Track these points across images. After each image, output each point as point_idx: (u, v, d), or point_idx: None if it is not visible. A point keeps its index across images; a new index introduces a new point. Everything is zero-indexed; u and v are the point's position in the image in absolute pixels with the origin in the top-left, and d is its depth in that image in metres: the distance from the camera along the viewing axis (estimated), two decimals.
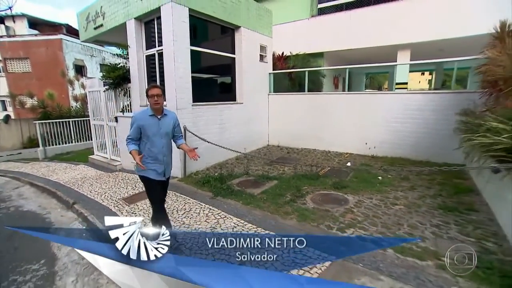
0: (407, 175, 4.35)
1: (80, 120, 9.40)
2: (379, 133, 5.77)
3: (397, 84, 9.36)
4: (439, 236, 2.45)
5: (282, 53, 8.86)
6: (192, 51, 4.98)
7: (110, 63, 6.45)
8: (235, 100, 6.20)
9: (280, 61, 8.66)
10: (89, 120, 7.49)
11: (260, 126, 7.00)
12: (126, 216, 3.26)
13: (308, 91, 7.23)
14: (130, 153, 2.31)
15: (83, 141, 9.43)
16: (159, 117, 2.38)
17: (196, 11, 4.92)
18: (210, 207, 3.35)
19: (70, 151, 8.86)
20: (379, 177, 4.23)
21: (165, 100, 2.24)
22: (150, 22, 5.17)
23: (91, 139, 7.50)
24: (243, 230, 2.67)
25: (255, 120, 6.68)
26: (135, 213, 3.32)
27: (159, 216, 2.49)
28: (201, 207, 3.36)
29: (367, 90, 16.77)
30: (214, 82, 6.16)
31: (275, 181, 4.19)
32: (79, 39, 7.31)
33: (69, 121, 9.09)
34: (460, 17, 7.14)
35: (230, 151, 4.89)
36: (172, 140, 2.58)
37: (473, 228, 2.57)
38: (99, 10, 6.00)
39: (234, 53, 6.11)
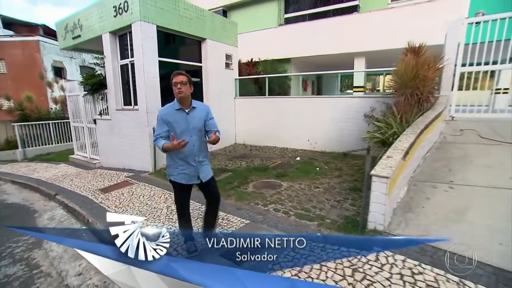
0: (341, 166, 5.29)
1: (60, 122, 9.82)
2: (327, 132, 6.70)
3: (354, 87, 10.51)
4: (335, 207, 3.35)
5: (251, 59, 9.71)
6: (161, 61, 5.72)
7: (92, 64, 7.00)
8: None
9: (249, 66, 9.52)
10: (69, 122, 8.02)
11: (227, 126, 7.80)
12: (100, 201, 3.98)
13: (277, 95, 8.15)
14: (163, 150, 2.06)
15: (64, 142, 9.86)
16: (187, 110, 2.13)
17: (163, 27, 5.66)
18: (171, 193, 4.11)
19: (51, 152, 9.29)
20: (317, 168, 5.15)
21: (190, 87, 2.11)
22: (124, 36, 5.84)
23: (72, 140, 8.03)
24: (193, 207, 3.46)
25: (222, 121, 7.41)
26: (108, 199, 4.04)
27: (181, 223, 2.41)
28: (163, 193, 4.14)
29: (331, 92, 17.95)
30: None
31: (229, 173, 5.02)
32: (57, 40, 7.68)
33: (49, 123, 9.51)
34: (405, 30, 8.11)
35: None
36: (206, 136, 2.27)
37: (360, 201, 3.49)
38: (76, 22, 6.59)
39: (201, 62, 6.89)
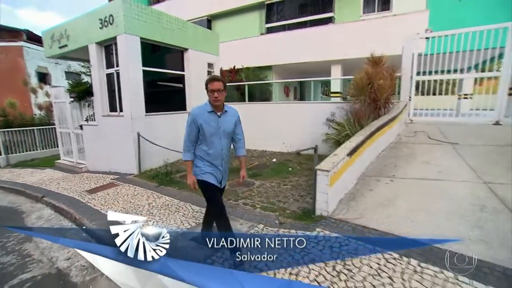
0: (312, 166, 5.80)
1: (45, 128, 9.94)
2: (302, 135, 7.22)
3: (332, 93, 11.16)
4: (297, 201, 3.83)
5: (234, 66, 10.22)
6: (144, 70, 6.11)
7: (79, 72, 7.25)
8: (186, 110, 7.40)
9: (232, 73, 10.02)
10: (54, 128, 8.21)
11: None
12: (87, 201, 4.31)
13: (259, 101, 8.65)
14: (184, 161, 2.21)
15: (49, 148, 9.95)
16: (219, 114, 2.16)
17: (147, 38, 6.07)
18: (153, 192, 4.52)
19: (35, 158, 9.39)
20: (290, 168, 5.65)
21: (225, 93, 2.16)
22: (109, 46, 6.20)
23: (57, 146, 8.22)
24: (169, 204, 3.87)
25: None
26: (95, 199, 4.37)
27: (219, 221, 2.33)
28: (146, 192, 4.52)
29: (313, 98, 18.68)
30: (167, 95, 7.26)
31: None
32: (42, 46, 7.81)
33: (33, 129, 9.63)
34: (375, 40, 8.71)
35: (181, 152, 6.06)
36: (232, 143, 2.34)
37: None
38: (63, 32, 6.88)
39: (183, 71, 7.32)
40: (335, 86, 10.98)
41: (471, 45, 5.81)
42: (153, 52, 6.70)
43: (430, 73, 6.38)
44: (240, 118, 2.34)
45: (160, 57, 6.98)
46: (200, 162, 2.24)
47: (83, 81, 6.97)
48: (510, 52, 5.46)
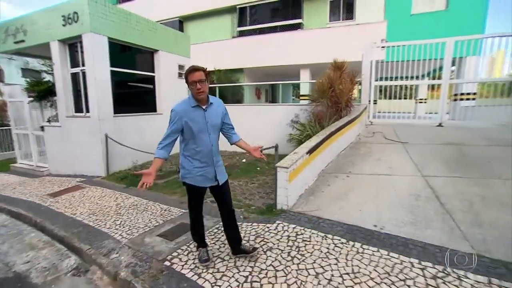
0: None
1: None
2: (271, 135, 7.48)
3: (301, 95, 11.63)
4: (263, 198, 4.06)
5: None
6: (113, 71, 6.00)
7: (40, 70, 6.88)
8: (156, 111, 7.36)
9: None
10: (9, 129, 7.68)
11: None
12: (49, 204, 4.17)
13: (230, 103, 8.79)
14: (154, 158, 2.00)
15: (2, 151, 9.25)
16: (204, 107, 1.99)
17: (115, 38, 5.98)
18: (121, 193, 4.50)
19: None
20: (258, 168, 5.88)
21: (208, 83, 2.01)
22: (74, 45, 6.00)
23: (13, 149, 7.69)
24: (138, 204, 3.91)
25: None
26: (58, 202, 4.25)
27: (196, 227, 2.28)
28: (114, 194, 4.49)
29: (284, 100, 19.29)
30: (137, 96, 7.18)
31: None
32: None
33: None
34: (341, 47, 9.24)
35: (150, 154, 6.01)
36: (222, 134, 2.21)
37: None
38: (19, 27, 6.50)
39: (154, 72, 7.28)
40: (304, 89, 11.48)
41: (424, 55, 6.49)
42: (122, 53, 6.61)
43: (390, 79, 7.00)
44: (225, 107, 2.20)
45: (130, 58, 6.89)
46: (188, 164, 2.05)
47: (44, 79, 6.64)
48: (448, 63, 6.19)
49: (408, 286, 1.84)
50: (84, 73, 5.82)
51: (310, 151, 3.62)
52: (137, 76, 6.95)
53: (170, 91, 7.65)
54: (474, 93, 9.08)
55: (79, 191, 4.80)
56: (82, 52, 5.73)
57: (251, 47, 11.25)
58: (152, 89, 7.32)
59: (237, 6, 11.83)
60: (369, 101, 6.93)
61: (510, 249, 2.16)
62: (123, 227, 3.12)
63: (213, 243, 2.60)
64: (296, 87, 19.35)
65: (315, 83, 5.68)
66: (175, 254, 2.44)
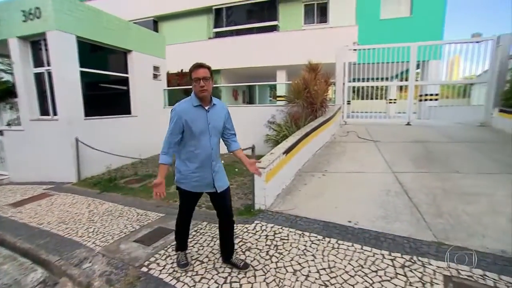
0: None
1: None
2: (248, 136, 7.46)
3: (278, 96, 11.80)
4: (241, 199, 4.07)
5: (182, 70, 10.10)
6: (83, 71, 5.72)
7: None
8: (130, 114, 7.12)
9: (179, 76, 9.89)
10: None
11: (157, 135, 8.00)
12: (10, 215, 3.87)
13: None
14: (159, 165, 1.91)
15: None
16: (207, 108, 1.89)
17: (84, 37, 5.70)
18: (94, 199, 4.30)
19: None
20: (236, 169, 5.89)
21: (212, 83, 1.92)
22: (38, 42, 5.63)
23: None
24: (112, 210, 3.76)
25: (151, 130, 7.66)
26: (21, 212, 3.96)
27: (182, 230, 2.23)
28: (86, 200, 4.28)
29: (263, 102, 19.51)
30: (110, 98, 6.90)
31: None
32: None
33: None
34: (316, 49, 9.43)
35: (125, 157, 5.83)
36: (222, 140, 2.09)
37: None
38: None
39: (127, 73, 7.04)
40: (281, 90, 11.67)
41: (392, 58, 6.88)
42: (93, 53, 6.32)
43: (363, 80, 7.33)
44: (229, 111, 2.10)
45: (102, 58, 6.62)
46: (184, 167, 1.94)
47: (2, 79, 6.17)
48: (413, 66, 6.61)
49: (380, 276, 1.95)
50: (50, 73, 5.50)
51: (287, 151, 3.70)
52: (110, 78, 6.69)
53: (146, 93, 7.45)
54: (437, 94, 9.78)
55: (46, 199, 4.51)
56: (47, 50, 5.41)
57: (228, 48, 11.22)
58: (126, 91, 7.08)
59: (213, 7, 11.76)
60: (343, 101, 7.20)
61: (466, 235, 2.37)
62: (97, 235, 2.99)
63: (192, 246, 2.58)
64: (273, 88, 19.60)
65: (291, 84, 5.81)
66: (152, 259, 2.39)
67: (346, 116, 7.41)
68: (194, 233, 2.85)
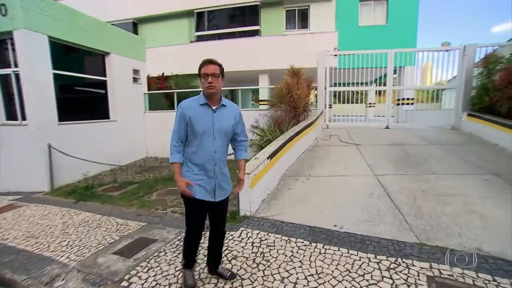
0: None
1: None
2: None
3: (260, 101, 11.82)
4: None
5: (163, 73, 9.87)
6: (57, 74, 5.41)
7: None
8: (109, 118, 6.83)
9: (160, 80, 9.66)
10: None
11: (137, 140, 7.75)
12: None
13: None
14: (171, 164, 1.81)
15: None
16: (214, 108, 1.78)
17: (58, 38, 5.41)
18: (69, 209, 4.04)
19: None
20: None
21: (222, 81, 1.81)
22: (3, 42, 5.25)
23: None
24: (89, 220, 3.55)
25: (131, 135, 7.41)
26: None
27: (190, 244, 1.98)
28: (60, 210, 4.00)
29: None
30: (86, 102, 6.57)
31: (136, 185, 5.16)
32: None
33: None
34: (297, 54, 9.54)
35: (104, 164, 5.58)
36: (231, 145, 1.98)
37: None
38: None
39: (105, 76, 6.76)
40: (264, 95, 11.72)
41: (371, 64, 7.13)
42: (69, 54, 6.01)
43: (344, 85, 7.52)
44: (242, 115, 1.96)
45: (79, 60, 6.31)
46: (185, 169, 1.82)
47: None
48: (391, 71, 6.89)
49: (367, 280, 1.97)
50: (17, 75, 5.14)
51: (271, 156, 3.68)
52: (87, 81, 6.38)
53: (125, 96, 7.19)
54: (412, 99, 10.25)
55: (12, 211, 4.17)
56: (14, 50, 5.05)
57: (210, 52, 11.03)
58: (104, 95, 6.79)
59: (195, 11, 11.65)
60: (325, 105, 7.35)
61: (444, 235, 2.46)
62: (72, 248, 2.80)
63: (176, 256, 2.48)
64: (256, 92, 19.68)
65: (274, 88, 5.84)
66: (133, 272, 2.26)
67: (328, 120, 7.56)
68: (177, 242, 2.75)
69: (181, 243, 2.70)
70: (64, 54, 5.83)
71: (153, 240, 2.83)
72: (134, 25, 12.49)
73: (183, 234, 2.25)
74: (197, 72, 1.82)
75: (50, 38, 5.21)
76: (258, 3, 11.11)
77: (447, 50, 7.19)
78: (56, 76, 5.39)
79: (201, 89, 1.82)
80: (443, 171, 4.02)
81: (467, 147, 5.26)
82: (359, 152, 5.17)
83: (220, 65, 1.78)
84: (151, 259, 2.44)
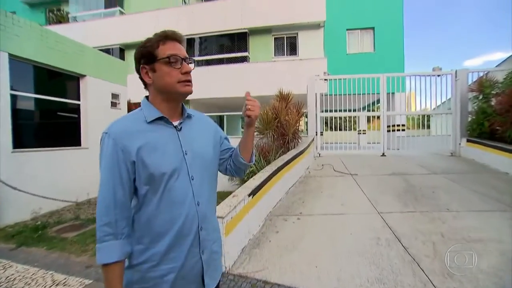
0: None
1: None
2: None
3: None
4: None
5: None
6: (16, 95, 4.84)
7: None
8: (80, 145, 6.15)
9: None
10: None
11: None
12: None
13: None
14: (102, 267, 0.84)
15: None
16: (176, 123, 0.98)
17: (21, 57, 4.91)
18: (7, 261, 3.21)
19: None
20: None
21: None
22: None
23: None
24: (18, 277, 2.75)
25: None
26: None
27: None
28: None
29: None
30: (53, 127, 5.90)
31: None
32: None
33: None
34: (286, 79, 9.28)
35: (61, 201, 4.82)
36: (226, 171, 1.20)
37: None
38: None
39: (79, 100, 6.20)
40: None
41: (362, 90, 6.84)
42: (37, 75, 5.47)
43: (334, 111, 7.15)
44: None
45: (45, 82, 5.75)
46: (138, 255, 0.89)
47: None
48: (384, 96, 6.59)
49: None
50: None
51: (254, 192, 3.06)
52: (58, 104, 5.79)
53: (101, 122, 6.57)
54: (403, 125, 9.99)
55: None
56: None
57: (198, 78, 10.82)
58: (76, 119, 6.18)
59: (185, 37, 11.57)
60: (316, 132, 6.90)
61: None
62: None
63: None
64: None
65: (260, 113, 5.38)
66: None
67: (320, 147, 7.07)
68: None
69: None
70: (31, 74, 5.30)
71: None
72: (121, 51, 12.28)
73: None
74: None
75: (11, 56, 4.70)
76: (246, 30, 11.12)
77: (438, 75, 7.02)
78: (15, 98, 4.81)
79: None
80: (458, 207, 3.43)
81: (475, 176, 4.76)
82: (357, 184, 4.59)
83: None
84: None
